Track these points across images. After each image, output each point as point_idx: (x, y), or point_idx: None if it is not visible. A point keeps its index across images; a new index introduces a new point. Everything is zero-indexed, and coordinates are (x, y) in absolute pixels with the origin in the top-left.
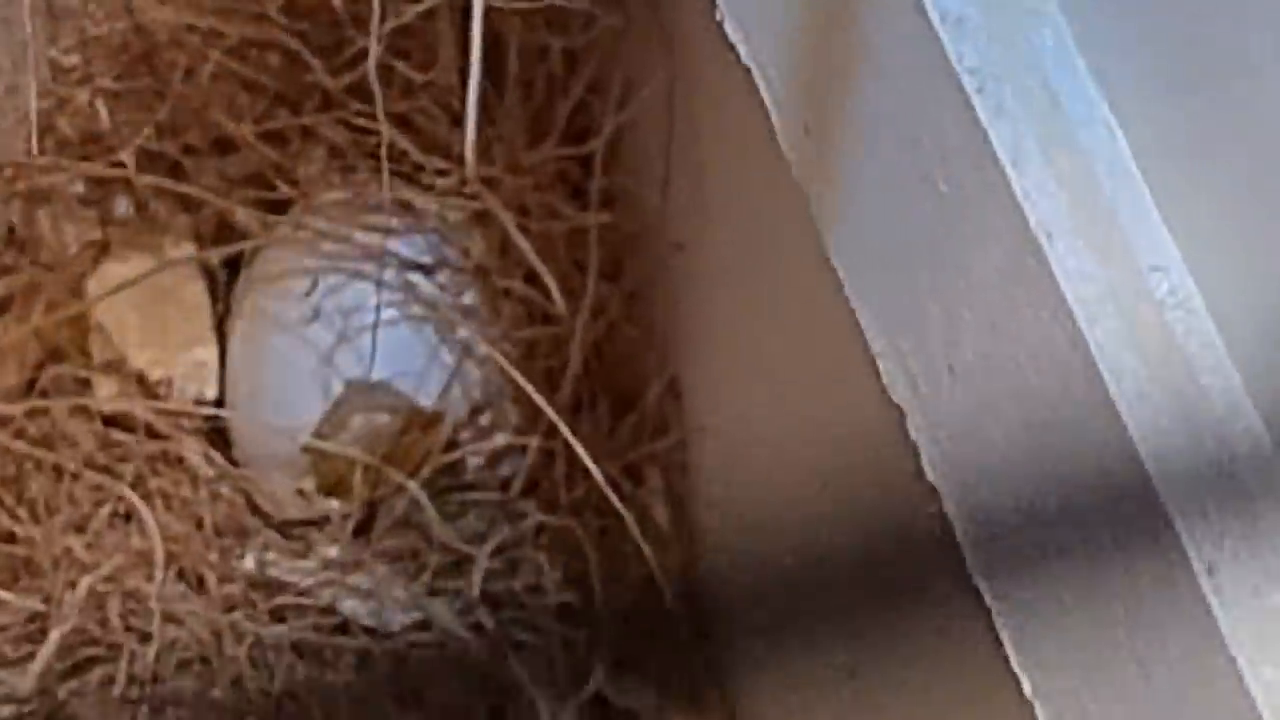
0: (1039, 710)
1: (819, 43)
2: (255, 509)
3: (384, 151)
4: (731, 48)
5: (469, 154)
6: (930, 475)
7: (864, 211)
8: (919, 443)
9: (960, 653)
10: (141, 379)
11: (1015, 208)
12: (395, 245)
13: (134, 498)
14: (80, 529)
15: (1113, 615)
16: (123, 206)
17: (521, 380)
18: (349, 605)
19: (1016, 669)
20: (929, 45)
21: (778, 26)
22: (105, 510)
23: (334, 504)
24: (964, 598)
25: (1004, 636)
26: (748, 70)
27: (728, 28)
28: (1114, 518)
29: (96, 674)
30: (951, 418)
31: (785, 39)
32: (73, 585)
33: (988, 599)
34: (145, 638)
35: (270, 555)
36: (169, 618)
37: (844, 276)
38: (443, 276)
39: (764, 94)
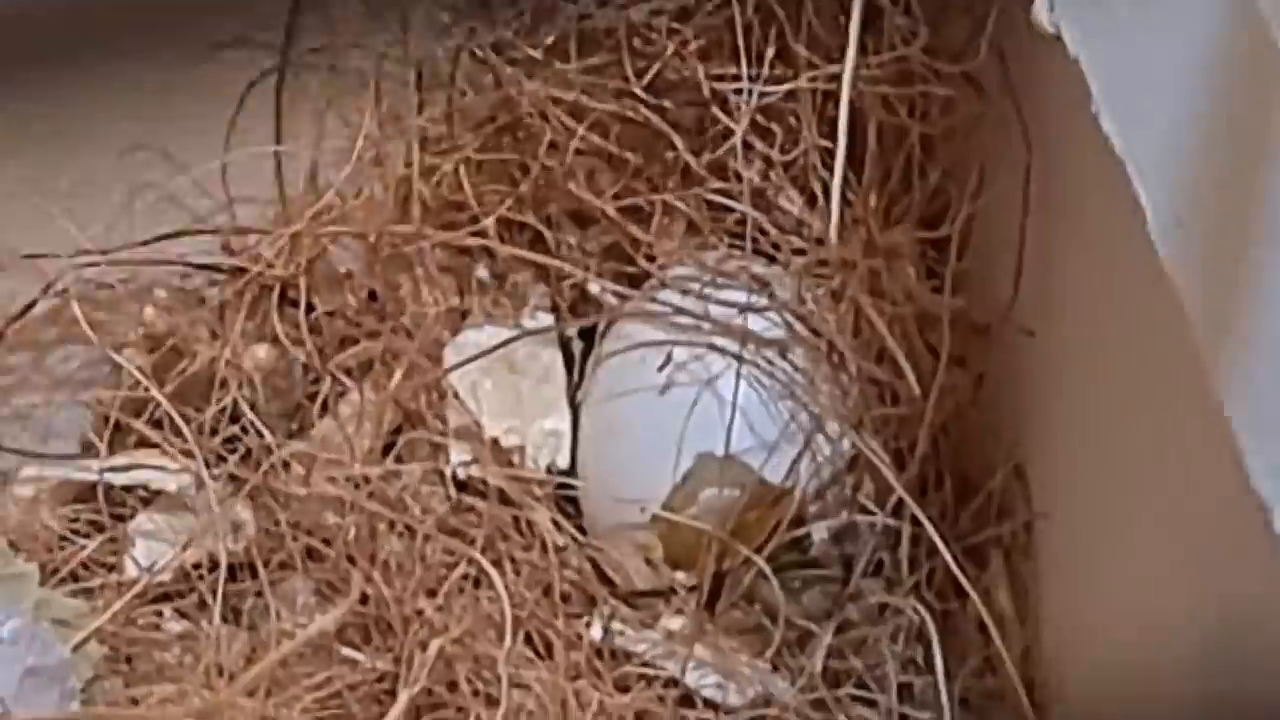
0: None
1: (1202, 140)
2: (602, 578)
3: (747, 228)
4: (1104, 140)
5: (831, 233)
6: None
7: (1238, 308)
8: None
9: None
10: (495, 446)
11: None
12: (751, 322)
13: (485, 562)
14: (432, 592)
15: None
16: (483, 275)
17: (874, 456)
18: (693, 677)
19: None
20: None
21: (1160, 123)
22: (456, 574)
23: (680, 576)
24: None
25: None
26: (1119, 162)
27: (1103, 121)
28: None
29: None
30: None
31: (1167, 135)
32: (423, 647)
33: None
34: (492, 702)
35: (616, 625)
36: (516, 683)
37: (1212, 370)
38: (796, 355)
39: (1137, 187)
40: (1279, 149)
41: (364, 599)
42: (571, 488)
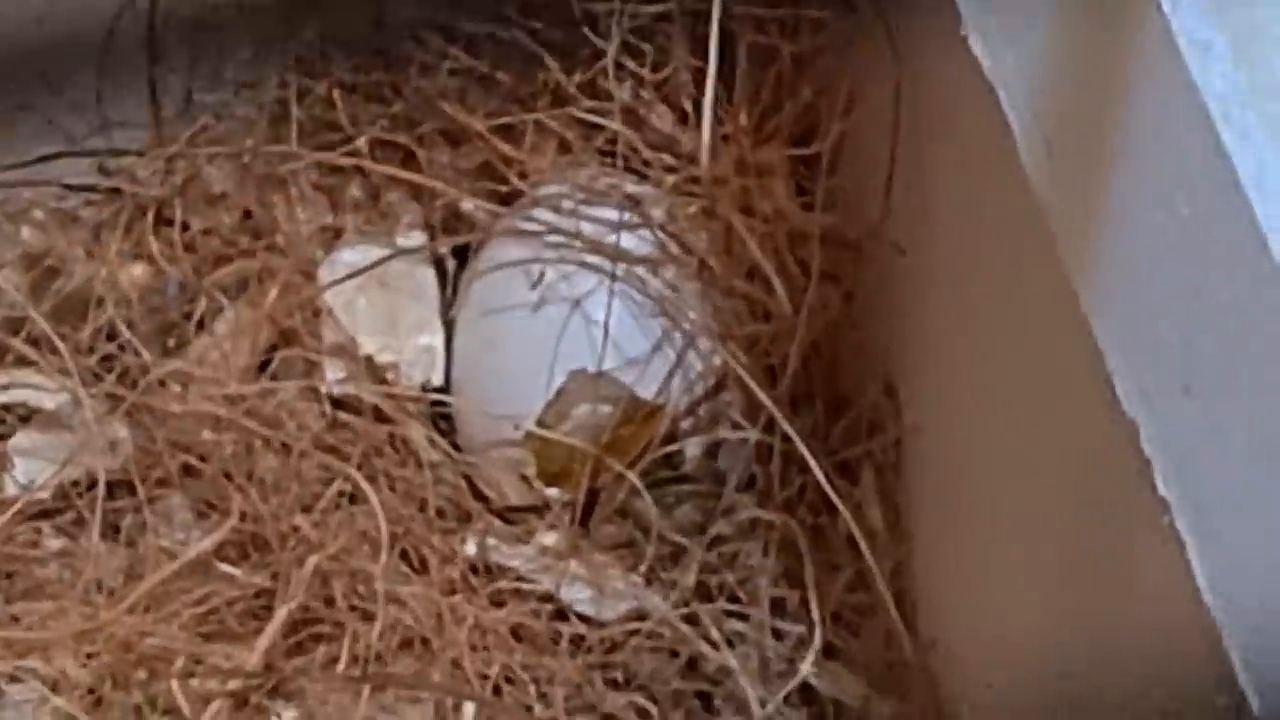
0: None
1: (1069, 65)
2: (477, 494)
3: (619, 146)
4: (974, 62)
5: (703, 153)
6: (1162, 489)
7: (1105, 231)
8: (1152, 457)
9: None
10: (370, 363)
11: (1257, 234)
12: (623, 239)
13: (360, 479)
14: (307, 508)
15: None
16: (356, 194)
17: (744, 374)
18: (567, 593)
19: None
20: (1176, 71)
21: (1028, 47)
22: (332, 490)
23: (554, 492)
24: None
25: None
26: (988, 85)
27: (972, 43)
28: None
29: (321, 652)
30: (1187, 435)
31: (1035, 59)
32: (300, 563)
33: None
34: (368, 617)
35: (491, 540)
36: (392, 598)
37: (1081, 292)
38: (668, 271)
39: (1007, 110)
40: (1140, 72)
41: (241, 516)
42: (446, 404)
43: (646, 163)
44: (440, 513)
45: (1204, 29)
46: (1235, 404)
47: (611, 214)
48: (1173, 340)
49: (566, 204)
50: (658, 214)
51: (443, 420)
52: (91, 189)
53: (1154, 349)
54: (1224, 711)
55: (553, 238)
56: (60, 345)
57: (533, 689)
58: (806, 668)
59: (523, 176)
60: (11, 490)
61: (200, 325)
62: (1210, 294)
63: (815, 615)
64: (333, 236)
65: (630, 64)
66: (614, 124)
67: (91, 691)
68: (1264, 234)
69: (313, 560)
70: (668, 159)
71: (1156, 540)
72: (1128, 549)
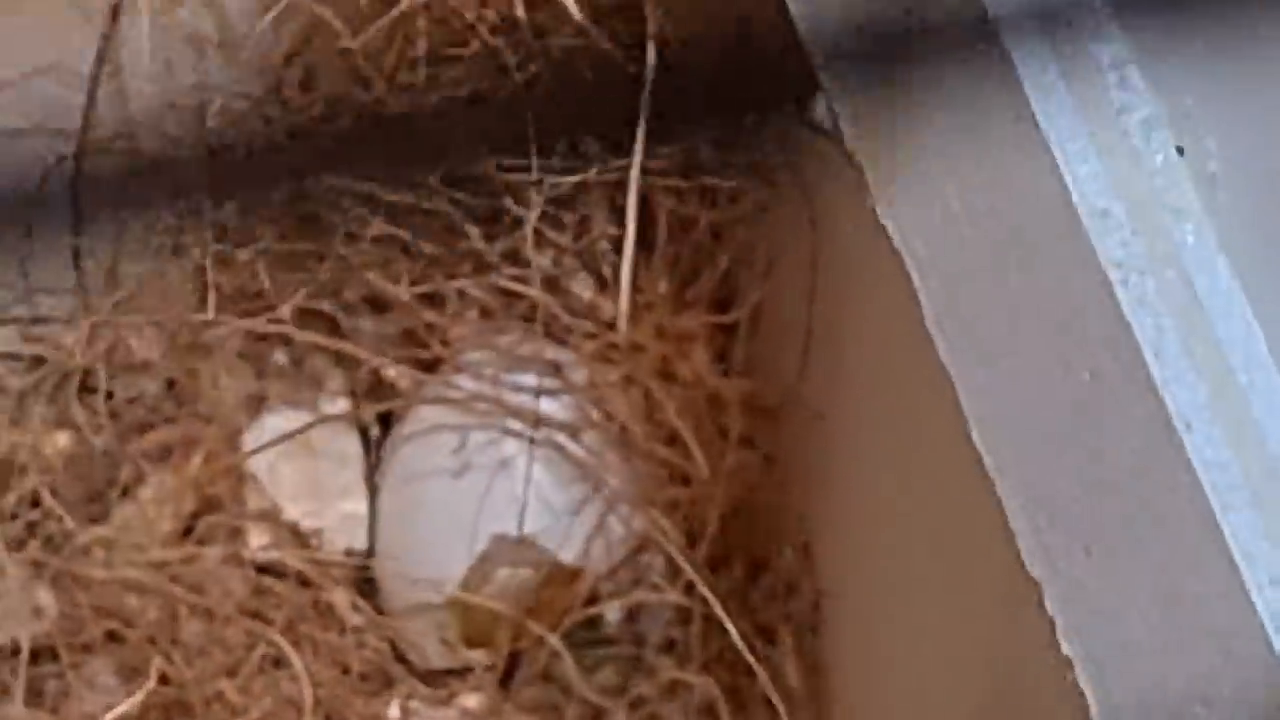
0: None
1: (970, 232)
2: (400, 658)
3: (539, 313)
4: (882, 231)
5: (621, 321)
6: (1065, 648)
7: (1008, 395)
8: (1054, 616)
9: None
10: (294, 529)
11: (1155, 397)
12: (544, 405)
13: (284, 644)
14: (232, 673)
15: None
16: (280, 361)
17: (662, 538)
18: None
19: None
20: (1076, 238)
21: (930, 219)
22: (256, 655)
23: (477, 655)
24: None
25: None
26: (896, 253)
27: (880, 212)
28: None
29: None
30: (1088, 595)
31: (937, 229)
32: None
33: None
34: None
35: (414, 704)
36: None
37: (985, 454)
38: (588, 437)
39: (914, 277)
40: (1041, 232)
41: (165, 680)
42: (369, 569)
43: (568, 329)
44: (364, 676)
45: (1102, 198)
46: (1135, 562)
47: (532, 379)
48: (1075, 501)
49: (488, 370)
50: (578, 380)
51: (366, 584)
52: (15, 357)
53: (1056, 511)
54: None
55: (475, 404)
56: None
57: None
58: None
59: (445, 344)
60: None
61: (125, 492)
62: (1109, 455)
63: None
64: (257, 404)
65: (550, 233)
66: (534, 291)
67: None
68: (1161, 396)
69: None
70: (588, 325)
71: (1059, 697)
72: (1034, 709)
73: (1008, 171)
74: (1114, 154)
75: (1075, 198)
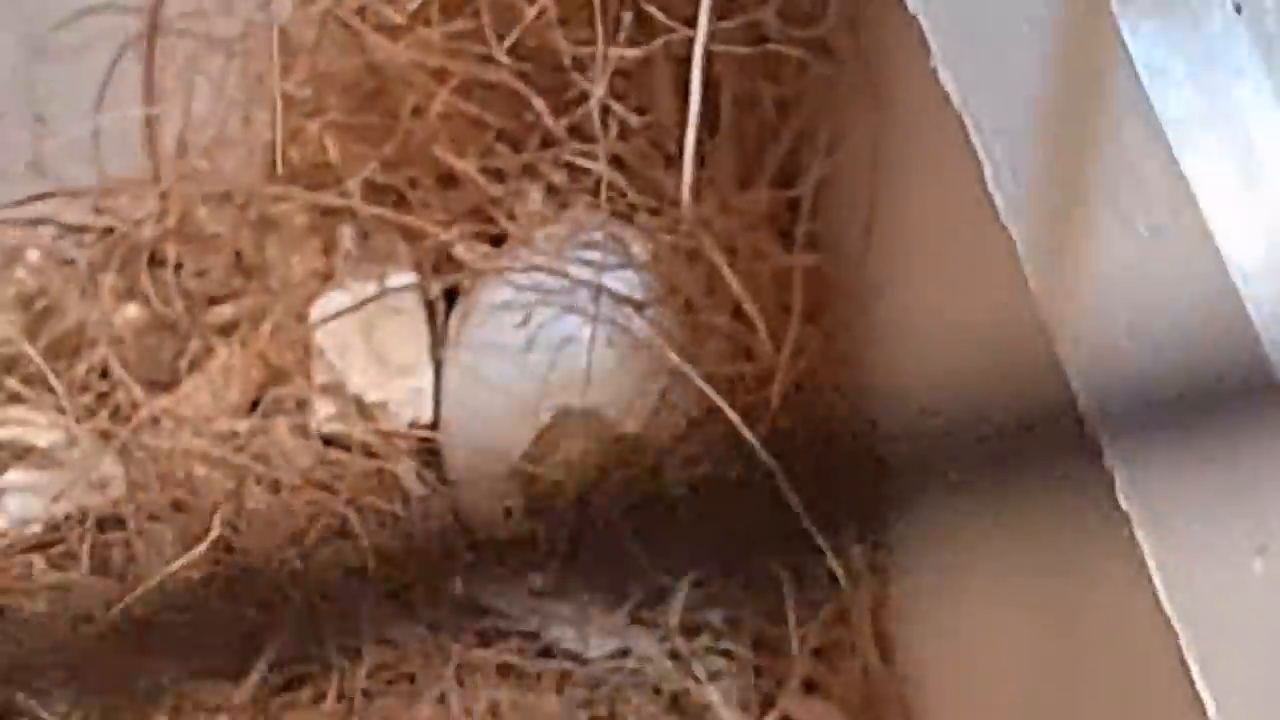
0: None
1: (1032, 90)
2: (465, 530)
3: (603, 189)
4: (944, 95)
5: (685, 194)
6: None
7: (1068, 252)
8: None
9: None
10: (359, 402)
11: (1214, 250)
12: (608, 280)
13: (350, 513)
14: (296, 543)
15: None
16: (348, 236)
17: (728, 410)
18: (553, 630)
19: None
20: (1135, 95)
21: (991, 74)
22: (320, 525)
23: (541, 527)
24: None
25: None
26: (958, 116)
27: (941, 75)
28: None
29: (307, 692)
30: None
31: (997, 85)
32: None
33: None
34: (356, 655)
35: (478, 578)
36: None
37: (1047, 318)
38: (652, 311)
39: (974, 139)
40: (1111, 105)
41: (229, 549)
42: (434, 441)
43: (632, 205)
44: (428, 549)
45: (1161, 56)
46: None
47: (597, 255)
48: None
49: (554, 246)
50: (643, 255)
51: (430, 456)
52: (86, 229)
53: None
54: None
55: (541, 278)
56: (54, 383)
57: None
58: (786, 701)
59: (511, 218)
60: (3, 525)
61: (192, 364)
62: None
63: (795, 650)
64: (324, 278)
65: (617, 107)
66: (600, 166)
67: None
68: (1219, 249)
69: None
70: (653, 201)
71: (1120, 559)
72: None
73: (1067, 33)
74: (1173, 12)
75: (1135, 55)
